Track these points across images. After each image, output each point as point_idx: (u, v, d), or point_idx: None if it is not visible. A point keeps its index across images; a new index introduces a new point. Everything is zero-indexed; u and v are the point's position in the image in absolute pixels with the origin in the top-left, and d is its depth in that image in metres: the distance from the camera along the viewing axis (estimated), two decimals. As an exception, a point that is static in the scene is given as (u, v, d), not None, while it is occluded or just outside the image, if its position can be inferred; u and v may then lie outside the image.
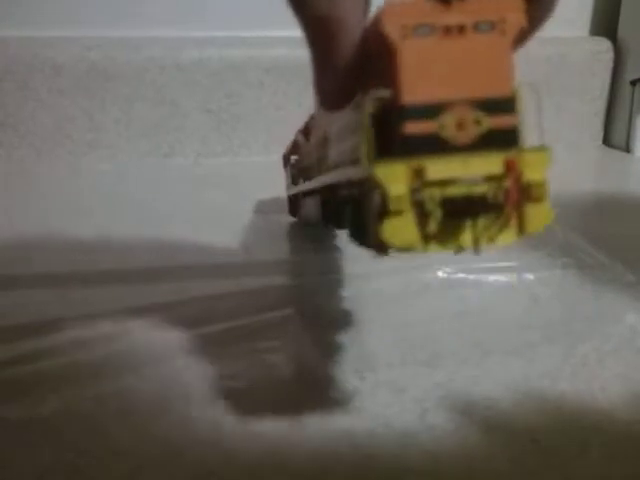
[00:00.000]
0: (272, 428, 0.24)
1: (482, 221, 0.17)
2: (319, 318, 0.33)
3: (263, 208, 0.50)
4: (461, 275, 0.37)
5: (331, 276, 0.37)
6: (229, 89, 0.65)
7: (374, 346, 0.30)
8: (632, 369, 0.28)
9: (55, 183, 0.58)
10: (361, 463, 0.22)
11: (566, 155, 0.72)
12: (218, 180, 0.59)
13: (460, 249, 0.17)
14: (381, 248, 0.17)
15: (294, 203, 0.45)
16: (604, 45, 0.73)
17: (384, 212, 0.16)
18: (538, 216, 0.17)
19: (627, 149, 0.73)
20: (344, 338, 0.30)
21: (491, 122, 0.17)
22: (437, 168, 0.16)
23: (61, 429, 0.24)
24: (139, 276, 0.37)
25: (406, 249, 0.17)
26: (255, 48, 0.65)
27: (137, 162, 0.63)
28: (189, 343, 0.29)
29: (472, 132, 0.17)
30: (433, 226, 0.17)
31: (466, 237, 0.17)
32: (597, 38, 0.74)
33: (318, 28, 0.18)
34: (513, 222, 0.17)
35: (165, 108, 0.64)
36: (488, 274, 0.37)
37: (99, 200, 0.53)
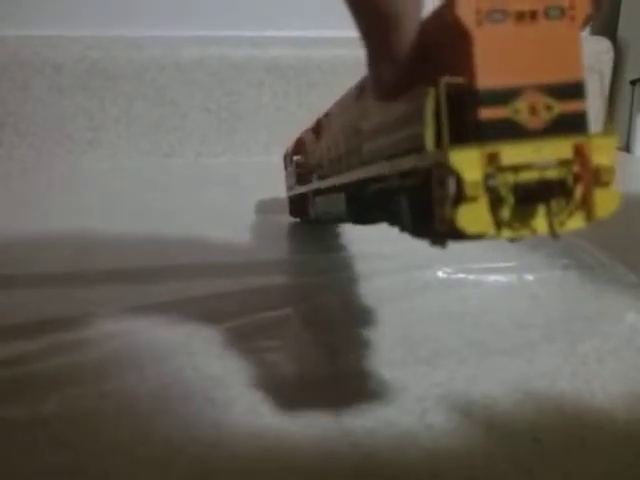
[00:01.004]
0: (272, 427, 0.24)
1: (553, 206, 0.17)
2: (319, 318, 0.33)
3: (263, 208, 0.50)
4: (461, 275, 0.37)
5: (332, 276, 0.37)
6: (229, 88, 0.65)
7: (374, 345, 0.30)
8: (632, 368, 0.28)
9: (55, 182, 0.58)
10: (361, 462, 0.22)
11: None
12: (218, 180, 0.59)
13: (533, 234, 0.17)
14: (452, 236, 0.17)
15: (296, 203, 0.45)
16: (604, 45, 0.73)
17: (459, 198, 0.16)
18: (606, 201, 0.17)
19: (627, 149, 0.73)
20: (344, 338, 0.30)
21: (561, 107, 0.17)
22: (511, 153, 0.16)
23: (61, 429, 0.24)
24: (139, 276, 0.37)
25: (479, 235, 0.17)
26: (255, 48, 0.65)
27: (137, 161, 0.63)
28: (189, 342, 0.29)
29: (544, 117, 0.17)
30: (506, 212, 0.17)
31: (537, 222, 0.17)
32: (597, 38, 0.74)
33: (376, 19, 0.18)
34: (582, 207, 0.17)
35: (165, 108, 0.64)
36: (488, 274, 0.37)
37: (99, 199, 0.53)
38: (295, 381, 0.27)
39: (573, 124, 0.17)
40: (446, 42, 0.18)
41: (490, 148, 0.16)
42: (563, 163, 0.17)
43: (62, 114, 0.63)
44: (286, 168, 0.46)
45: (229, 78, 0.65)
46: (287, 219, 0.47)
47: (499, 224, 0.17)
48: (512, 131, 0.17)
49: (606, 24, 0.75)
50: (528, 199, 0.17)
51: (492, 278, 0.37)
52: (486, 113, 0.16)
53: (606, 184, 0.17)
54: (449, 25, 0.17)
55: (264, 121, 0.66)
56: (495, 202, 0.17)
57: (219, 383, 0.26)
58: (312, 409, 0.25)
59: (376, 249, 0.40)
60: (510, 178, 0.16)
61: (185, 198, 0.53)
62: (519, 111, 0.17)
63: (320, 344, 0.30)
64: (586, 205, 0.17)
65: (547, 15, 0.17)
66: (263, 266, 0.39)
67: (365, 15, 0.19)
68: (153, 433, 0.23)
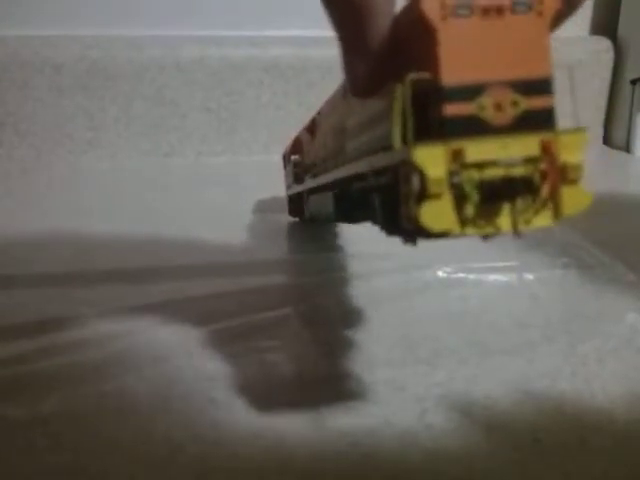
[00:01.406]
0: (271, 427, 0.24)
1: (519, 204, 0.17)
2: (319, 317, 0.33)
3: (263, 207, 0.50)
4: (461, 274, 0.37)
5: (331, 275, 0.37)
6: (229, 88, 0.65)
7: (374, 345, 0.30)
8: (632, 368, 0.28)
9: (55, 182, 0.58)
10: (360, 462, 0.22)
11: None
12: (218, 179, 0.59)
13: (497, 232, 0.17)
14: (417, 233, 0.17)
15: (295, 203, 0.45)
16: (604, 44, 0.73)
17: (423, 195, 0.16)
18: (574, 198, 0.17)
19: (627, 149, 0.73)
20: (344, 337, 0.30)
21: (528, 103, 0.17)
22: (476, 150, 0.16)
23: (61, 428, 0.24)
24: (139, 276, 0.37)
25: (443, 233, 0.16)
26: (255, 47, 0.65)
27: (137, 161, 0.63)
28: (189, 342, 0.29)
29: (510, 113, 0.17)
30: (470, 209, 0.17)
31: (503, 220, 0.17)
32: (597, 37, 0.74)
33: (348, 12, 0.18)
34: (549, 205, 0.17)
35: (165, 107, 0.64)
36: (488, 273, 0.37)
37: (99, 199, 0.53)
38: (294, 381, 0.27)
39: (540, 120, 0.17)
40: (414, 37, 0.17)
41: (454, 145, 0.16)
42: (529, 160, 0.17)
43: (62, 114, 0.63)
44: (285, 167, 0.46)
45: (229, 78, 0.65)
46: (286, 218, 0.47)
47: (463, 222, 0.17)
48: (477, 127, 0.16)
49: (606, 23, 0.75)
50: (494, 196, 0.17)
51: (492, 277, 0.37)
52: (451, 109, 0.16)
53: (574, 182, 0.17)
54: (415, 20, 0.17)
55: (264, 120, 0.66)
56: (460, 199, 0.16)
57: (218, 383, 0.26)
58: (311, 409, 0.25)
59: (375, 249, 0.40)
60: (475, 175, 0.16)
61: (185, 198, 0.53)
62: (484, 107, 0.16)
63: (319, 344, 0.30)
64: (553, 203, 0.17)
65: (514, 10, 0.17)
66: (262, 266, 0.39)
67: (337, 7, 0.19)
68: (153, 433, 0.23)
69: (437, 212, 0.16)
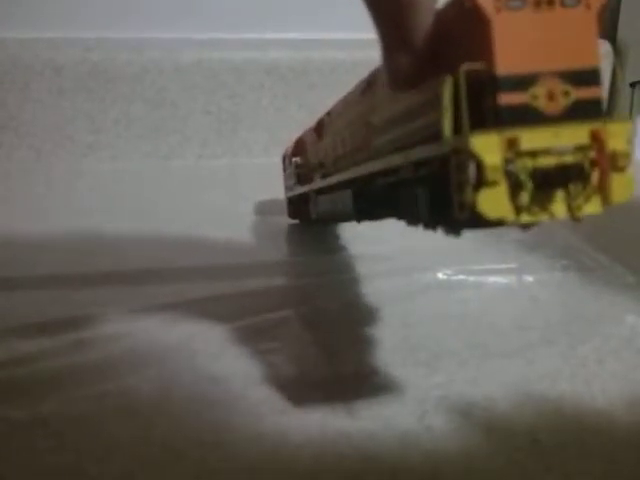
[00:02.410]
0: (272, 429, 0.24)
1: (571, 190, 0.17)
2: (319, 319, 0.33)
3: (263, 210, 0.50)
4: (461, 277, 0.37)
5: (332, 277, 0.37)
6: (229, 91, 0.65)
7: (374, 347, 0.30)
8: (632, 370, 0.28)
9: (55, 184, 0.58)
10: (361, 464, 0.22)
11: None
12: (218, 182, 0.59)
13: (552, 218, 0.17)
14: (469, 223, 0.18)
15: (296, 204, 0.45)
16: (604, 47, 0.73)
17: (479, 183, 0.16)
18: (622, 185, 0.17)
19: (627, 151, 0.73)
20: (344, 339, 0.30)
21: (578, 93, 0.17)
22: (530, 138, 0.16)
23: (61, 429, 0.24)
24: (139, 277, 0.37)
25: (499, 220, 0.17)
26: (255, 50, 0.65)
27: (137, 163, 0.63)
28: (190, 344, 0.29)
29: (561, 103, 0.17)
30: (525, 197, 0.17)
31: (556, 207, 0.17)
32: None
33: (392, 6, 0.19)
34: (599, 192, 0.17)
35: (165, 110, 0.64)
36: (488, 276, 0.37)
37: (99, 201, 0.53)
38: (295, 382, 0.27)
39: (589, 110, 0.17)
40: (464, 30, 0.18)
41: (509, 133, 0.16)
42: (580, 148, 0.17)
43: (62, 116, 0.63)
44: (285, 170, 0.46)
45: (229, 80, 0.65)
46: (287, 220, 0.47)
47: (518, 209, 0.17)
48: (530, 117, 0.17)
49: (606, 26, 0.75)
50: (546, 184, 0.17)
51: (492, 280, 0.37)
52: (505, 99, 0.17)
53: (622, 169, 0.17)
54: (468, 12, 0.17)
55: (264, 123, 0.66)
56: (514, 187, 0.17)
57: (219, 384, 0.26)
58: (312, 411, 0.25)
59: (376, 250, 0.40)
60: (529, 163, 0.17)
61: (185, 200, 0.53)
62: (537, 97, 0.17)
63: (320, 346, 0.30)
64: (603, 190, 0.17)
65: (564, 3, 0.17)
66: (263, 268, 0.39)
67: (380, 3, 0.19)
68: (153, 434, 0.24)
69: (494, 200, 0.16)
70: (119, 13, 0.64)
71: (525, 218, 0.17)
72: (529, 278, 0.37)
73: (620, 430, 0.24)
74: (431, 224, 0.20)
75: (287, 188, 0.46)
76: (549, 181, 0.17)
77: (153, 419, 0.24)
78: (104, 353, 0.28)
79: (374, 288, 0.35)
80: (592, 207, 0.18)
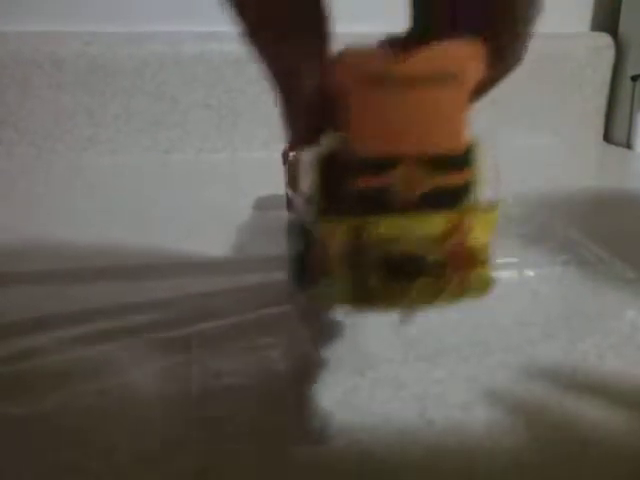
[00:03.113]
0: (271, 424, 0.24)
1: (421, 282, 0.16)
2: (318, 314, 0.33)
3: (263, 204, 0.50)
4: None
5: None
6: (229, 84, 0.65)
7: (374, 342, 0.30)
8: (632, 365, 0.28)
9: (55, 179, 0.58)
10: (360, 459, 0.22)
11: (567, 152, 0.72)
12: (218, 176, 0.59)
13: (398, 310, 0.16)
14: (315, 300, 0.17)
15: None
16: (605, 40, 0.73)
17: (323, 269, 0.16)
18: (479, 280, 0.16)
19: (628, 145, 0.73)
20: (343, 334, 0.30)
21: (440, 180, 0.16)
22: (381, 226, 0.15)
23: (61, 426, 0.24)
24: (138, 273, 0.37)
25: (341, 307, 0.16)
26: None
27: (137, 158, 0.63)
28: (188, 340, 0.29)
29: (420, 189, 0.16)
30: (372, 285, 0.16)
31: (404, 298, 0.16)
32: (598, 33, 0.74)
33: (274, 70, 0.18)
34: (454, 285, 0.16)
35: (165, 103, 0.64)
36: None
37: (98, 196, 0.53)
38: (294, 378, 0.27)
39: (451, 198, 0.16)
40: (333, 101, 0.17)
41: (358, 221, 0.15)
42: (436, 239, 0.16)
43: (62, 110, 0.63)
44: (285, 164, 0.46)
45: (229, 74, 0.64)
46: (286, 215, 0.47)
47: (363, 298, 0.16)
48: (385, 202, 0.16)
49: (607, 19, 0.75)
50: (396, 274, 0.16)
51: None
52: (360, 182, 0.15)
53: (481, 263, 0.16)
54: (332, 86, 0.16)
55: (264, 117, 0.66)
56: (361, 275, 0.16)
57: (217, 379, 0.26)
58: (311, 406, 0.25)
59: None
60: (378, 252, 0.16)
61: (184, 194, 0.53)
62: (394, 182, 0.16)
63: (319, 341, 0.30)
64: (458, 284, 0.16)
65: (432, 80, 0.15)
66: (262, 262, 0.39)
67: (264, 61, 0.19)
68: (153, 431, 0.23)
69: (335, 287, 0.16)
70: (119, 6, 0.64)
71: (370, 307, 0.16)
72: (530, 273, 0.37)
73: (621, 426, 0.24)
74: (295, 284, 0.19)
75: (287, 183, 0.46)
76: (399, 271, 0.16)
77: (152, 416, 0.24)
78: (102, 349, 0.28)
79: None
80: (445, 300, 0.16)
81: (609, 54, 0.73)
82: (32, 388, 0.26)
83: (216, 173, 0.60)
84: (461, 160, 0.16)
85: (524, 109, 0.73)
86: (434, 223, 0.16)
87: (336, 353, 0.29)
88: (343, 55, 0.15)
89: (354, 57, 0.15)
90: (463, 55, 0.15)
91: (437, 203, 0.16)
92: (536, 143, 0.73)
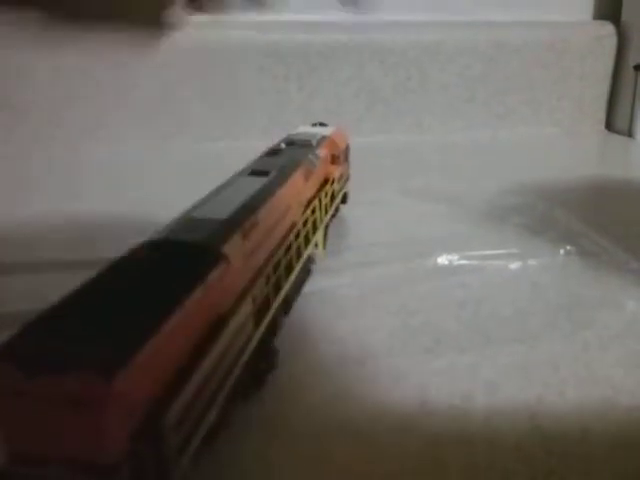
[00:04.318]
0: (274, 414, 0.24)
1: None
2: (321, 305, 0.32)
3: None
4: (463, 262, 0.37)
5: (333, 263, 0.37)
6: (229, 73, 0.65)
7: (376, 333, 0.29)
8: (633, 355, 0.28)
9: (54, 167, 0.57)
10: (362, 449, 0.22)
11: (568, 140, 0.72)
12: (217, 164, 0.59)
13: None
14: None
15: None
16: (607, 29, 0.73)
17: None
18: None
19: (630, 134, 0.73)
20: (346, 325, 0.30)
21: None
22: None
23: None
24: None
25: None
26: (255, 32, 0.64)
27: (136, 146, 0.63)
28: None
29: None
30: None
31: None
32: (600, 22, 0.74)
33: None
34: None
35: (165, 92, 0.64)
36: (489, 261, 0.37)
37: (98, 184, 0.52)
38: (296, 367, 0.27)
39: None
40: None
41: None
42: None
43: (61, 98, 0.62)
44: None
45: (229, 62, 0.64)
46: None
47: None
48: None
49: (610, 8, 0.74)
50: None
51: (493, 265, 0.36)
52: None
53: None
54: None
55: (264, 105, 0.66)
56: None
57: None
58: (314, 396, 0.25)
59: (377, 237, 0.40)
60: None
61: (184, 183, 0.53)
62: None
63: (321, 331, 0.30)
64: None
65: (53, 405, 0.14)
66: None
67: None
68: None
69: None
70: None
71: None
72: (531, 263, 0.37)
73: (622, 414, 0.24)
74: None
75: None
76: None
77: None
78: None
79: (375, 274, 0.35)
80: None
81: (611, 43, 0.73)
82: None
83: (215, 161, 0.60)
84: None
85: (526, 98, 0.73)
86: None
87: (338, 343, 0.29)
88: None
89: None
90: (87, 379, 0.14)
91: None
92: (538, 132, 0.73)
